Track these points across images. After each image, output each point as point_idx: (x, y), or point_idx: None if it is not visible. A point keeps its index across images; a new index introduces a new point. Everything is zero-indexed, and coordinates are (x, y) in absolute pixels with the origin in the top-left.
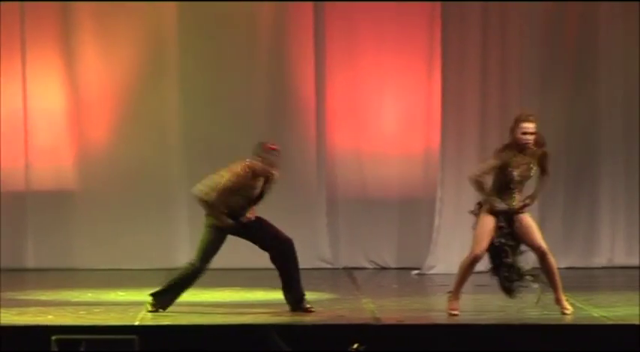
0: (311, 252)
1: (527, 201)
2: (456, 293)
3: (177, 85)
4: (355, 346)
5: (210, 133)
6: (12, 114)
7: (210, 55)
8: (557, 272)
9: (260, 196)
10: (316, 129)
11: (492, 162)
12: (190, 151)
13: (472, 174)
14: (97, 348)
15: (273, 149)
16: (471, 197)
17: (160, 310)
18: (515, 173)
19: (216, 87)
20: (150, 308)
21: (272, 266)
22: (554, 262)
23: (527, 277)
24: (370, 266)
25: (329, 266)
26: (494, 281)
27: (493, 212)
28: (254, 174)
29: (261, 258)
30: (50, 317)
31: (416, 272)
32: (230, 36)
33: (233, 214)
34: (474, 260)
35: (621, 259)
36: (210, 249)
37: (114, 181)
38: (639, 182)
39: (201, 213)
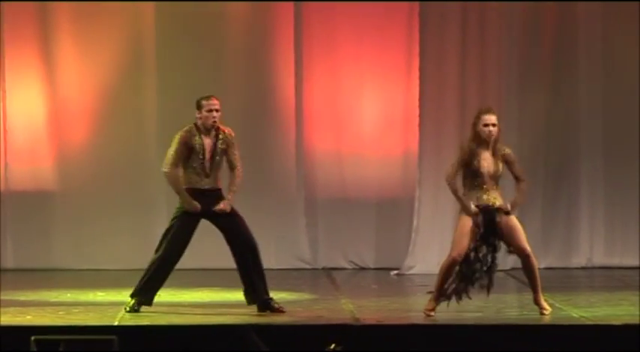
0: (290, 252)
1: (508, 207)
2: (436, 295)
3: (156, 85)
4: (332, 346)
5: None
6: None
7: (189, 54)
8: (538, 274)
9: (215, 164)
10: (295, 130)
11: (457, 156)
12: None
13: (447, 176)
14: (77, 348)
15: (209, 101)
16: (450, 197)
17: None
18: (482, 167)
19: (195, 87)
20: (130, 309)
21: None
22: (536, 264)
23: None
24: (349, 267)
25: (308, 266)
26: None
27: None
28: (191, 135)
29: None
30: (29, 317)
31: (395, 272)
32: (208, 36)
33: (196, 192)
34: (452, 263)
35: (600, 259)
36: (178, 236)
37: (93, 182)
38: (618, 183)
39: None
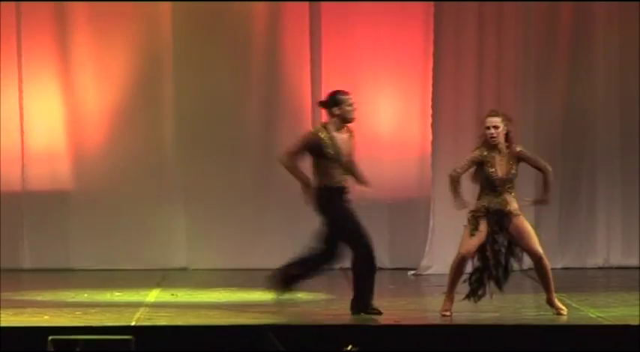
0: None
1: (544, 198)
2: (449, 294)
3: (173, 86)
4: (349, 347)
5: (205, 134)
6: (8, 116)
7: (206, 55)
8: (550, 275)
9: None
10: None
11: (468, 157)
12: (186, 152)
13: (452, 170)
14: (94, 348)
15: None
16: (465, 196)
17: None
18: (494, 171)
19: (212, 87)
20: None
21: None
22: (549, 265)
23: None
24: None
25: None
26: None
27: (484, 213)
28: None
29: (257, 259)
30: (46, 317)
31: (412, 272)
32: (225, 36)
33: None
34: (461, 260)
35: (617, 259)
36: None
37: (110, 182)
38: (635, 183)
39: (194, 215)
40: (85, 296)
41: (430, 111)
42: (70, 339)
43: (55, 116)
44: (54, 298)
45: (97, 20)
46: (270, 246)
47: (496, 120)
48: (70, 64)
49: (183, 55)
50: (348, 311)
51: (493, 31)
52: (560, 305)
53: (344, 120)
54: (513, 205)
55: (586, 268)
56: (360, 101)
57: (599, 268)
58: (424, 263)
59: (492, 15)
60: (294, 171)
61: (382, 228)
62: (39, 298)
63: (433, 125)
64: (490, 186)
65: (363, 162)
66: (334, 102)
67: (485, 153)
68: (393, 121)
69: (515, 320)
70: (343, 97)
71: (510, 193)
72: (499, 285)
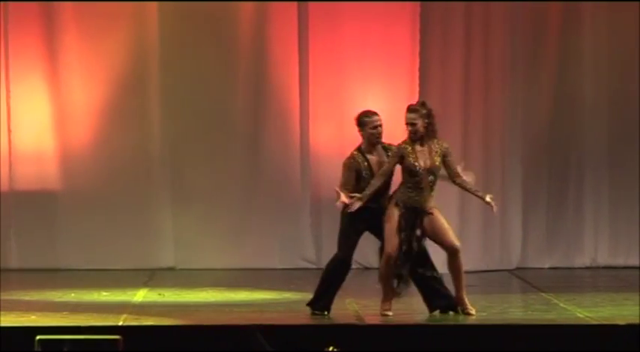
0: (294, 252)
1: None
2: (385, 295)
3: (160, 86)
4: (330, 348)
5: (193, 134)
6: None
7: (193, 55)
8: (462, 273)
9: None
10: (300, 129)
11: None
12: (173, 151)
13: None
14: (81, 348)
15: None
16: (452, 197)
17: (325, 313)
18: (417, 164)
19: (199, 87)
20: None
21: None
22: (461, 262)
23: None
24: (354, 266)
25: (312, 266)
26: (477, 282)
27: (400, 207)
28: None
29: (244, 259)
30: (34, 317)
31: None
32: (212, 36)
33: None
34: (387, 259)
35: (605, 259)
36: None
37: (97, 182)
38: (622, 182)
39: (182, 215)
40: (73, 295)
41: None
42: (58, 339)
43: (42, 116)
44: (41, 298)
45: (84, 20)
46: (257, 247)
47: (412, 117)
48: (57, 64)
49: (170, 55)
50: (336, 311)
51: (480, 31)
52: (468, 304)
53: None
54: (430, 203)
55: (574, 268)
56: (348, 101)
57: (587, 268)
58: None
59: (479, 14)
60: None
61: None
62: (26, 298)
63: None
64: (414, 181)
65: None
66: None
67: (408, 146)
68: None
69: (502, 320)
70: (366, 120)
71: (432, 189)
72: (398, 283)
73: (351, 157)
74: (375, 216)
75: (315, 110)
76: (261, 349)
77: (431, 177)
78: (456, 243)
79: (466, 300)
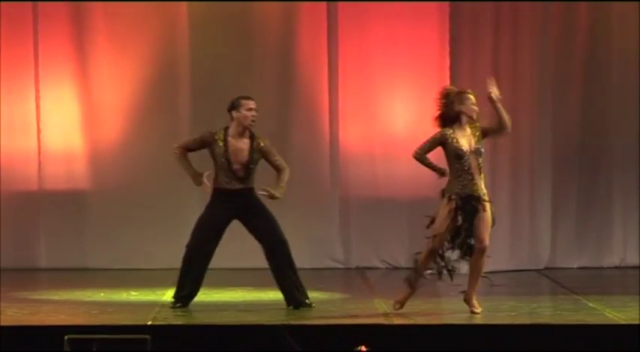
0: (323, 252)
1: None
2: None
3: (189, 85)
4: (361, 348)
5: None
6: (25, 116)
7: (223, 54)
8: (480, 273)
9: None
10: (329, 129)
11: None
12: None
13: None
14: (110, 348)
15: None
16: None
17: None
18: (461, 146)
19: (228, 87)
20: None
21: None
22: (483, 264)
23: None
24: (382, 266)
25: (341, 265)
26: (506, 282)
27: (450, 198)
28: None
29: None
30: (63, 316)
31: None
32: (241, 37)
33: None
34: (431, 254)
35: (634, 259)
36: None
37: (126, 181)
38: None
39: None
40: (102, 295)
41: None
42: (87, 338)
43: (71, 116)
44: (70, 297)
45: (113, 21)
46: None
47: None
48: (86, 65)
49: (199, 56)
50: (365, 311)
51: (509, 30)
52: (476, 304)
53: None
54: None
55: (603, 268)
56: (377, 100)
57: (616, 268)
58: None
59: (508, 13)
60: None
61: (401, 226)
62: (55, 297)
63: None
64: (461, 168)
65: (380, 161)
66: (233, 105)
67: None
68: (409, 120)
69: (531, 320)
70: (243, 101)
71: (479, 174)
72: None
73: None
74: None
75: (344, 110)
76: (289, 349)
77: (475, 164)
78: (486, 242)
79: (473, 299)
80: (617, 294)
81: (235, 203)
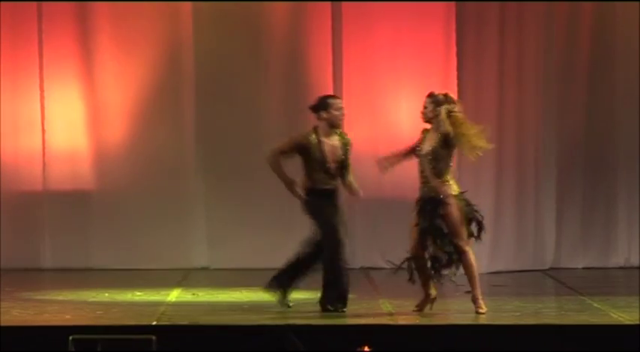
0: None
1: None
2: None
3: (194, 85)
4: (364, 348)
5: (227, 134)
6: (30, 116)
7: (227, 54)
8: (473, 274)
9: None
10: None
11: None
12: (207, 152)
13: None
14: (115, 348)
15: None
16: (488, 196)
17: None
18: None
19: (233, 86)
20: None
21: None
22: (471, 264)
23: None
24: (387, 266)
25: (346, 266)
26: (511, 282)
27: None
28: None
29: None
30: (67, 317)
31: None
32: (246, 36)
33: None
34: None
35: (638, 259)
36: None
37: (131, 181)
38: None
39: (216, 214)
40: (106, 295)
41: None
42: (91, 339)
43: (76, 116)
44: (75, 297)
45: (117, 20)
46: (291, 246)
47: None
48: (91, 65)
49: (204, 55)
50: (370, 311)
51: (514, 30)
52: (481, 303)
53: (332, 125)
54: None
55: (607, 268)
56: (382, 101)
57: (621, 268)
58: None
59: (514, 14)
60: (278, 170)
61: (406, 227)
62: (60, 297)
63: None
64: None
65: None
66: (322, 105)
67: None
68: (414, 121)
69: (536, 320)
70: (331, 101)
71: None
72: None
73: (303, 136)
74: None
75: (349, 110)
76: (294, 349)
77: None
78: (459, 241)
79: (479, 299)
80: (622, 295)
81: (333, 200)
